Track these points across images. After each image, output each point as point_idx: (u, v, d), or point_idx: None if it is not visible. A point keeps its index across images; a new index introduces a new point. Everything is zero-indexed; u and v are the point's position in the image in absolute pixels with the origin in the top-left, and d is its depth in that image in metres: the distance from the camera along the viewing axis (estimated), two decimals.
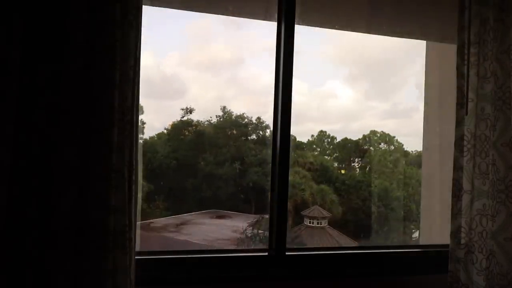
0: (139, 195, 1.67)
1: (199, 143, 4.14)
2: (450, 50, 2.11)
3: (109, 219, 1.44)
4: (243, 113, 4.19)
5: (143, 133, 3.63)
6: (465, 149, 1.88)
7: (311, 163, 4.46)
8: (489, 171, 1.89)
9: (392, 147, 4.58)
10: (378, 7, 2.39)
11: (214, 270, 1.88)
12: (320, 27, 2.56)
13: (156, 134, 4.07)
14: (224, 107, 4.16)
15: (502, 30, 1.89)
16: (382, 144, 4.59)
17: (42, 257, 1.40)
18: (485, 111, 1.90)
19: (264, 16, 2.22)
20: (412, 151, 4.49)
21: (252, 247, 3.63)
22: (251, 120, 4.24)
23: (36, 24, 1.41)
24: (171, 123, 4.05)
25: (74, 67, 1.42)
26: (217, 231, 3.96)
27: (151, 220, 3.85)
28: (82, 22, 1.43)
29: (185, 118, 4.04)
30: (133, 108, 1.50)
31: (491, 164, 1.88)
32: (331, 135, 4.60)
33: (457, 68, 1.90)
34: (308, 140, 4.56)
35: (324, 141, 4.61)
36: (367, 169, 4.58)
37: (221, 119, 4.19)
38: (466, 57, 1.89)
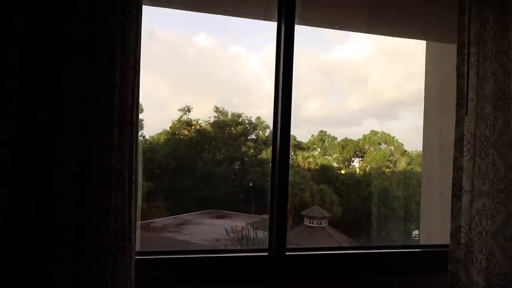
0: (139, 195, 1.67)
1: (199, 142, 4.15)
2: (450, 50, 2.11)
3: (109, 219, 1.44)
4: (243, 113, 4.19)
5: (143, 133, 3.64)
6: (465, 149, 1.88)
7: (311, 163, 4.46)
8: (489, 171, 1.89)
9: (392, 147, 4.58)
10: (378, 7, 2.40)
11: (214, 270, 1.88)
12: (320, 27, 2.56)
13: (156, 134, 4.07)
14: (223, 107, 4.17)
15: (502, 30, 1.89)
16: (382, 144, 4.59)
17: (42, 257, 1.40)
18: (485, 111, 1.90)
19: (264, 16, 2.22)
20: (412, 151, 4.50)
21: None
22: (250, 120, 4.25)
23: (36, 24, 1.41)
24: (171, 123, 4.05)
25: (74, 67, 1.42)
26: (217, 231, 3.96)
27: (151, 220, 3.85)
28: (82, 22, 1.43)
29: (184, 118, 4.04)
30: (133, 108, 1.50)
31: (491, 164, 1.89)
32: (331, 135, 4.60)
33: (457, 68, 1.90)
34: (308, 140, 4.56)
35: (324, 141, 4.61)
36: (367, 169, 4.58)
37: (221, 118, 4.19)
38: (466, 57, 1.89)
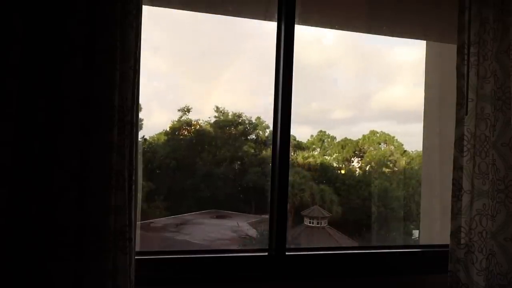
0: (139, 195, 1.67)
1: (199, 142, 4.14)
2: (450, 50, 2.11)
3: (109, 219, 1.44)
4: (243, 113, 4.19)
5: (143, 133, 3.63)
6: (465, 149, 1.88)
7: (311, 163, 4.46)
8: (489, 171, 1.89)
9: (392, 147, 4.58)
10: (378, 7, 2.40)
11: (214, 270, 1.88)
12: (320, 27, 2.56)
13: (156, 134, 4.06)
14: (224, 107, 4.16)
15: (502, 30, 1.89)
16: (382, 144, 4.59)
17: (42, 257, 1.40)
18: (485, 111, 1.90)
19: (264, 16, 2.23)
20: (412, 151, 4.49)
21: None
22: (250, 120, 4.24)
23: (36, 24, 1.41)
24: (170, 123, 4.05)
25: (74, 67, 1.42)
26: (217, 231, 3.96)
27: (151, 220, 3.85)
28: (82, 22, 1.43)
29: (184, 118, 4.04)
30: (133, 108, 1.50)
31: (491, 164, 1.89)
32: (331, 135, 4.60)
33: (457, 68, 1.91)
34: (308, 140, 4.56)
35: (324, 141, 4.61)
36: (367, 168, 4.58)
37: (221, 118, 4.19)
38: (466, 57, 1.89)
